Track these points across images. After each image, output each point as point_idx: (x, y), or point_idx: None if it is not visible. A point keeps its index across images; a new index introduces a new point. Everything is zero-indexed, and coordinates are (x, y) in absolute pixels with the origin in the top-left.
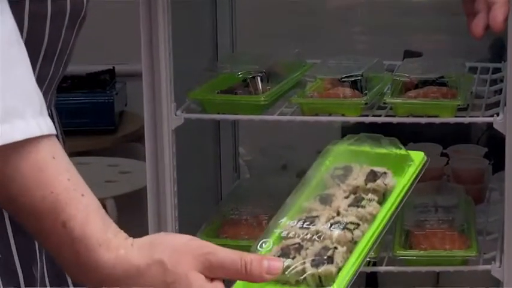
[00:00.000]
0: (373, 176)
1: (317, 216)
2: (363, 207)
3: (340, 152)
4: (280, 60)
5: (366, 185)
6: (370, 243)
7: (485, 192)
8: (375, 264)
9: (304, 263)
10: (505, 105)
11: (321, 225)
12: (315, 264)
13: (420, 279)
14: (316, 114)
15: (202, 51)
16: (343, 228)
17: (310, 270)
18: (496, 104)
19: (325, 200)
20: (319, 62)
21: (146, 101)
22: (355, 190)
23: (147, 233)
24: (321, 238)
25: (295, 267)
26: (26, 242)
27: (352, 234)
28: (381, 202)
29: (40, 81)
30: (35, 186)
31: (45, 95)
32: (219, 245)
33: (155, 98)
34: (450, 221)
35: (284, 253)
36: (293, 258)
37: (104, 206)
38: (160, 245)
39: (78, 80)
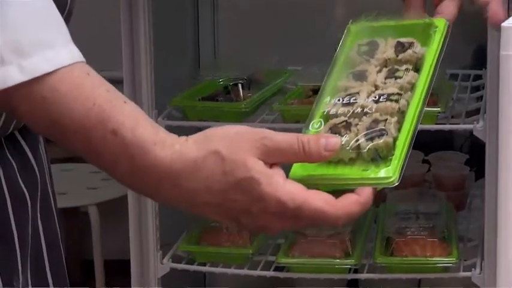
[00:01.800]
0: (401, 47)
1: (357, 93)
2: (400, 77)
3: (360, 30)
4: (261, 68)
5: (397, 56)
6: (418, 110)
7: (467, 198)
8: (356, 271)
9: (357, 139)
10: (485, 112)
11: (364, 100)
12: (370, 138)
13: (402, 286)
14: (297, 122)
15: (184, 59)
16: (388, 100)
17: (366, 144)
18: (477, 111)
19: (359, 77)
20: (301, 69)
21: None
22: (385, 63)
23: (128, 240)
24: (369, 112)
25: (350, 143)
26: (7, 252)
27: (398, 103)
28: (416, 70)
29: None
30: (77, 103)
31: None
32: (199, 252)
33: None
34: (431, 228)
35: (334, 132)
36: (344, 136)
37: (86, 213)
38: (214, 136)
39: None
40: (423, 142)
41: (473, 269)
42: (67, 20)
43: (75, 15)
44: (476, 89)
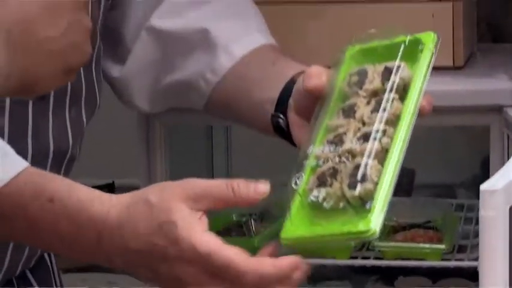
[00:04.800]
0: (388, 73)
1: (344, 133)
2: (385, 110)
3: (352, 55)
4: (274, 199)
5: (383, 85)
6: (400, 148)
7: None
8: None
9: (342, 191)
10: None
11: (350, 142)
12: (353, 186)
13: None
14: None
15: None
16: (371, 139)
17: (349, 193)
18: None
19: (348, 112)
20: None
21: None
22: (374, 93)
23: None
24: (352, 156)
25: (335, 195)
26: None
27: (381, 143)
28: (403, 97)
29: None
30: (11, 187)
31: None
32: None
33: None
34: None
35: (321, 182)
36: (331, 186)
37: None
38: (149, 188)
39: None
40: (430, 274)
41: None
42: (69, 164)
43: (95, 125)
44: None
